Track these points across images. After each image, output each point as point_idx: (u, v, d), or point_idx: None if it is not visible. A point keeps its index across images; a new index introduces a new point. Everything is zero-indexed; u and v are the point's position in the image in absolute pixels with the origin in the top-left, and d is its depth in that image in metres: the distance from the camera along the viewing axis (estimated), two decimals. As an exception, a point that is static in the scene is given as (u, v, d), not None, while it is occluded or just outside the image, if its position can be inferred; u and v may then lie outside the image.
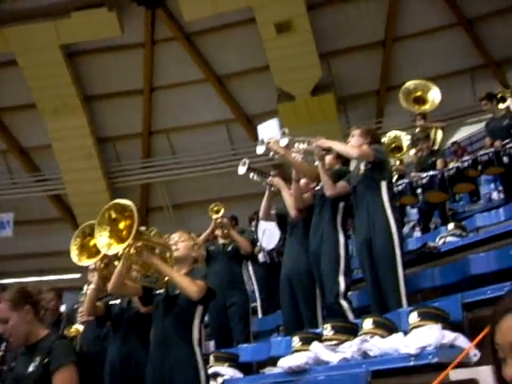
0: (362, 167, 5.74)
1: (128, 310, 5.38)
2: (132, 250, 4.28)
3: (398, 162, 10.78)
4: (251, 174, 6.67)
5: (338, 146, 5.78)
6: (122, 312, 5.42)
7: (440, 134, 10.22)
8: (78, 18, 16.77)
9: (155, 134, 19.24)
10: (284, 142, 5.96)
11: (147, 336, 4.63)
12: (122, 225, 4.20)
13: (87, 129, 18.45)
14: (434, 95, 10.52)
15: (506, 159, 8.00)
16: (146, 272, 4.47)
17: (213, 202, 8.05)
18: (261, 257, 8.66)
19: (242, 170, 6.63)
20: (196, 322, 4.43)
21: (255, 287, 8.83)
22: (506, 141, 8.19)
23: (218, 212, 7.95)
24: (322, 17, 17.21)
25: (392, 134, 10.68)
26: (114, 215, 4.21)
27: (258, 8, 16.56)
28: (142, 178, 19.24)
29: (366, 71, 17.79)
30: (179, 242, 4.63)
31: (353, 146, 5.79)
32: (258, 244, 8.57)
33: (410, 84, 10.83)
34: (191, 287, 4.27)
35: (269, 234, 8.04)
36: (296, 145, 5.98)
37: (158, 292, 4.61)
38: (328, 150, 5.81)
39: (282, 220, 6.70)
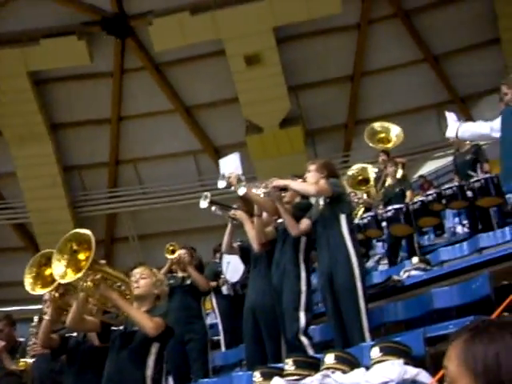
0: (321, 202, 5.71)
1: (84, 343, 5.22)
2: (89, 283, 4.17)
3: (365, 195, 10.81)
4: (213, 208, 6.59)
5: (294, 184, 5.74)
6: (77, 345, 5.26)
7: (400, 170, 10.28)
8: (47, 46, 16.70)
9: (122, 164, 19.10)
10: (242, 191, 5.87)
11: (102, 371, 4.48)
12: (81, 255, 4.12)
13: (53, 157, 18.23)
14: (397, 133, 10.67)
15: (469, 193, 8.04)
16: (103, 306, 4.36)
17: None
18: (224, 289, 8.55)
19: (203, 204, 6.54)
20: (151, 359, 4.31)
21: (218, 320, 8.69)
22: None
23: (173, 252, 7.80)
24: (291, 50, 17.39)
25: (359, 166, 10.73)
26: (74, 246, 4.11)
27: (227, 40, 16.67)
28: (107, 208, 19.01)
29: (334, 105, 17.96)
30: (140, 279, 4.52)
31: (310, 182, 5.76)
32: (222, 276, 8.46)
33: (375, 125, 11.04)
34: (148, 324, 4.17)
35: (233, 267, 7.95)
36: (254, 190, 5.91)
37: (116, 328, 4.49)
38: (285, 189, 5.75)
39: (245, 253, 6.62)
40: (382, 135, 10.82)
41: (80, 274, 4.04)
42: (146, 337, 4.24)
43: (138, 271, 4.59)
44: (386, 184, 9.70)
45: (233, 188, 6.09)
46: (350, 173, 10.76)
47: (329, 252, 5.50)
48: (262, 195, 5.87)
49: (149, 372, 4.27)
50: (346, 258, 5.40)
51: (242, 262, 6.97)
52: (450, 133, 5.61)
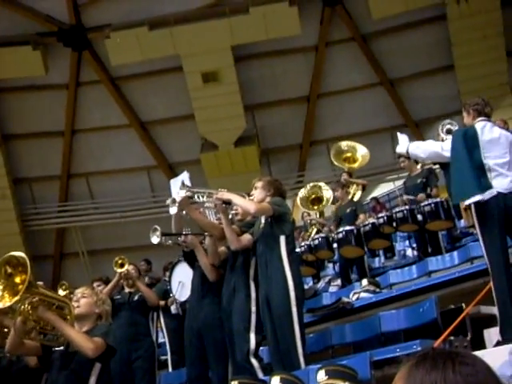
0: (262, 221, 5.67)
1: (17, 363, 5.05)
2: (27, 305, 4.08)
3: (317, 215, 10.83)
4: (163, 239, 6.35)
5: (237, 199, 5.66)
6: (10, 365, 5.08)
7: (359, 192, 10.37)
8: (1, 55, 16.37)
9: (74, 178, 18.76)
10: (182, 193, 5.80)
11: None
12: (17, 279, 4.03)
13: (3, 169, 17.79)
14: (363, 153, 10.78)
15: (419, 217, 8.13)
16: (43, 328, 4.26)
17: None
18: (173, 308, 8.38)
19: (155, 239, 6.30)
20: (92, 379, 4.21)
21: (166, 340, 8.53)
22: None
23: (122, 266, 7.71)
24: (249, 69, 17.45)
25: (312, 184, 10.76)
26: (9, 269, 4.01)
27: (185, 57, 16.63)
28: (57, 222, 18.63)
29: (289, 125, 18.05)
30: (81, 298, 4.45)
31: (251, 201, 5.71)
32: (171, 295, 8.33)
33: (341, 144, 11.13)
34: (87, 344, 4.08)
35: (182, 286, 7.81)
36: (196, 197, 5.84)
37: (56, 349, 4.39)
38: (228, 203, 5.69)
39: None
40: (348, 154, 10.90)
41: (17, 298, 3.96)
42: (86, 358, 4.15)
43: (80, 291, 4.55)
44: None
45: (183, 213, 5.97)
46: (302, 192, 10.78)
47: (267, 273, 5.44)
48: (207, 204, 5.81)
49: None
50: (282, 282, 5.32)
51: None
52: (401, 148, 5.67)
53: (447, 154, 5.15)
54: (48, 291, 4.34)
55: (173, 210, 5.95)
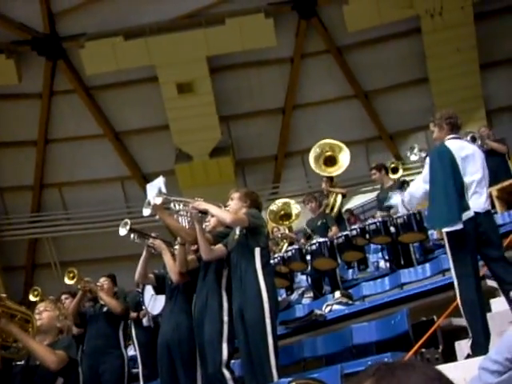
0: (238, 232, 5.65)
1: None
2: None
3: (286, 230, 10.84)
4: (132, 236, 6.47)
5: (213, 209, 5.66)
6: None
7: (339, 199, 10.34)
8: (-27, 63, 16.21)
9: (47, 188, 18.55)
10: (158, 200, 5.81)
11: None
12: None
13: (-26, 178, 17.64)
14: (344, 158, 10.66)
15: (392, 229, 8.14)
16: (4, 341, 4.20)
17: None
18: (145, 321, 8.33)
19: (122, 231, 6.43)
20: None
21: (137, 352, 8.42)
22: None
23: (73, 278, 7.74)
24: (224, 80, 17.44)
25: (281, 201, 10.79)
26: None
27: (160, 67, 16.61)
28: (29, 233, 18.40)
29: (265, 136, 18.06)
30: (43, 312, 4.44)
31: (228, 211, 5.72)
32: (144, 308, 8.25)
33: (323, 143, 10.92)
34: (49, 357, 4.06)
35: (155, 299, 7.74)
36: (172, 205, 5.84)
37: (17, 363, 4.34)
38: (204, 213, 5.68)
39: (160, 283, 6.48)
40: (328, 153, 10.70)
41: None
42: (48, 371, 4.12)
43: (43, 304, 4.56)
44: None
45: (157, 217, 6.00)
46: (272, 207, 10.78)
47: (241, 285, 5.43)
48: (181, 212, 5.80)
49: None
50: (256, 293, 5.32)
51: (155, 292, 6.79)
52: (401, 211, 5.62)
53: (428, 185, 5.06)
54: (11, 303, 4.29)
55: (146, 212, 6.00)
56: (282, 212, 10.51)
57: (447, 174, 4.88)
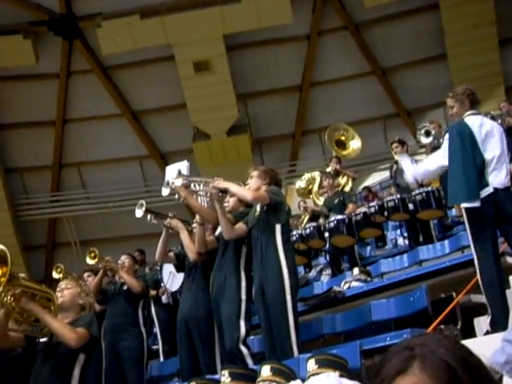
0: (258, 209, 5.66)
1: (8, 352, 5.04)
2: (9, 297, 4.11)
3: (313, 203, 10.84)
4: (148, 217, 6.51)
5: (234, 187, 5.67)
6: (1, 354, 5.07)
7: (350, 183, 10.34)
8: (-9, 44, 16.27)
9: (66, 168, 18.72)
10: (179, 182, 5.83)
11: (28, 380, 4.34)
12: None
13: (-6, 159, 17.80)
14: (355, 145, 10.69)
15: (411, 206, 8.12)
16: (27, 320, 4.27)
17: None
18: (164, 298, 8.42)
19: (139, 213, 6.49)
20: (76, 370, 4.24)
21: (157, 329, 8.55)
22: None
23: (94, 258, 7.77)
24: (241, 58, 17.38)
25: (309, 175, 10.75)
26: None
27: (177, 46, 16.56)
28: (49, 212, 18.58)
29: (282, 114, 18.02)
30: (65, 289, 4.49)
31: (249, 188, 5.72)
32: (162, 285, 8.34)
33: (339, 125, 10.98)
34: (70, 335, 4.12)
35: (173, 276, 7.82)
36: (192, 185, 5.86)
37: (41, 340, 4.42)
38: (225, 192, 5.70)
39: (181, 261, 6.53)
40: (342, 138, 10.78)
41: None
42: (70, 348, 4.17)
43: (64, 282, 4.60)
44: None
45: (176, 196, 6.02)
46: (299, 183, 10.80)
47: (262, 262, 5.45)
48: (201, 192, 5.83)
49: (74, 383, 4.17)
50: (277, 270, 5.33)
51: (176, 270, 6.85)
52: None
53: (447, 161, 5.01)
54: (30, 283, 4.36)
55: (165, 192, 6.01)
56: (311, 186, 10.52)
57: (467, 150, 4.84)
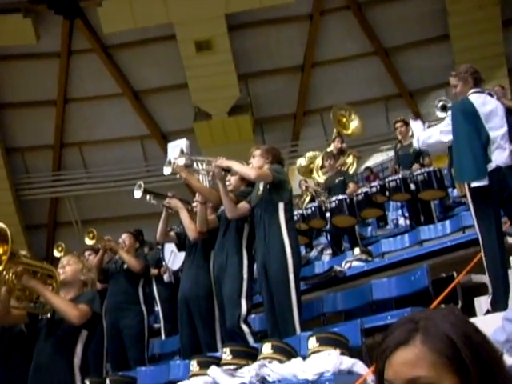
0: (261, 188, 5.67)
1: (10, 329, 5.07)
2: (11, 275, 4.12)
3: (314, 182, 10.83)
4: (148, 197, 6.54)
5: (237, 166, 5.68)
6: (3, 331, 5.11)
7: (355, 164, 10.32)
8: (-9, 23, 16.17)
9: (67, 147, 18.69)
10: (181, 161, 5.83)
11: (31, 357, 4.37)
12: (0, 249, 4.03)
13: (-5, 137, 17.77)
14: (356, 125, 10.66)
15: (412, 186, 8.12)
16: (29, 297, 4.31)
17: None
18: (166, 277, 8.46)
19: (137, 193, 6.53)
20: (79, 346, 4.26)
21: (159, 308, 8.60)
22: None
23: (93, 238, 7.88)
24: (242, 38, 17.29)
25: (310, 154, 10.73)
26: None
27: (178, 25, 16.46)
28: (51, 192, 18.60)
29: (283, 94, 17.94)
30: (67, 266, 4.49)
31: (252, 167, 5.72)
32: (164, 264, 8.38)
33: (343, 105, 10.96)
34: (72, 312, 4.13)
35: (175, 255, 7.85)
36: (195, 165, 5.86)
37: (43, 317, 4.43)
38: (228, 171, 5.70)
39: (181, 241, 6.56)
40: (343, 119, 10.78)
41: (0, 268, 4.01)
42: (72, 325, 4.19)
43: (66, 258, 4.59)
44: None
45: (178, 176, 6.03)
46: (299, 161, 10.78)
47: (265, 240, 5.46)
48: (203, 171, 5.83)
49: (76, 360, 4.23)
50: (280, 248, 5.35)
51: (178, 249, 6.87)
52: (418, 144, 5.53)
53: (445, 138, 5.00)
54: (32, 260, 4.37)
55: (167, 171, 6.02)
56: (312, 165, 10.50)
57: (471, 128, 4.83)
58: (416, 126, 5.64)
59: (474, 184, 4.82)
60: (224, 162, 5.66)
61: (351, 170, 10.18)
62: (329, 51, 17.57)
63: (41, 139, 18.43)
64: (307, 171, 10.83)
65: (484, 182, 4.74)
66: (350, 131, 10.80)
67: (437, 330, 1.27)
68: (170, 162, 6.06)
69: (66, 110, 18.20)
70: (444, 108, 7.86)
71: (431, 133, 5.28)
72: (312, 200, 10.30)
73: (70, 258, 4.59)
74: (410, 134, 8.66)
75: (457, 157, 4.98)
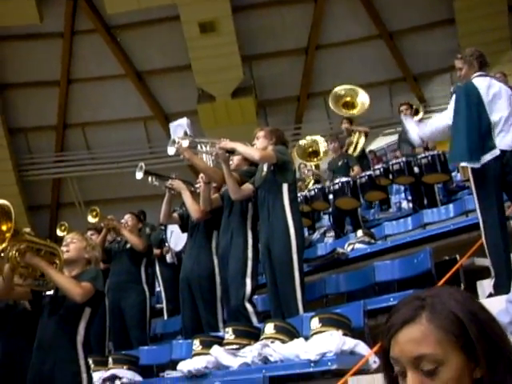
0: (265, 169, 5.67)
1: (15, 307, 5.11)
2: (14, 252, 4.13)
3: (313, 167, 10.79)
4: (149, 178, 6.54)
5: (241, 147, 5.68)
6: (8, 309, 5.14)
7: (363, 139, 10.24)
8: (-6, 3, 16.10)
9: (70, 128, 18.67)
10: (185, 143, 5.83)
11: (34, 335, 4.39)
12: (3, 227, 4.06)
13: (-2, 118, 17.74)
14: (363, 99, 10.53)
15: (416, 169, 8.10)
16: (32, 274, 4.31)
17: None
18: (168, 257, 8.48)
19: (139, 175, 6.54)
20: (82, 324, 4.26)
21: (161, 288, 8.63)
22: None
23: (96, 216, 7.89)
24: (246, 20, 17.19)
25: (310, 137, 10.68)
26: None
27: (182, 6, 16.35)
28: (53, 173, 18.62)
29: (287, 77, 17.87)
30: (71, 243, 4.48)
31: (256, 148, 5.72)
32: (167, 244, 8.40)
33: (339, 89, 10.82)
34: (75, 289, 4.12)
35: (177, 235, 7.86)
36: (199, 147, 5.87)
37: (47, 294, 4.45)
38: (232, 152, 5.70)
39: (185, 222, 6.57)
40: (347, 99, 10.65)
41: (4, 245, 4.00)
42: (75, 302, 4.19)
43: (70, 236, 4.58)
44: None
45: (181, 156, 6.03)
46: (300, 143, 10.71)
47: (268, 221, 5.47)
48: (207, 155, 5.84)
49: (79, 337, 4.23)
50: (284, 229, 5.36)
51: (181, 230, 6.87)
52: (415, 139, 5.50)
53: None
54: (35, 238, 4.36)
55: (171, 151, 6.01)
56: (311, 149, 10.44)
57: (472, 111, 4.80)
58: (408, 122, 5.62)
59: (466, 164, 4.82)
60: (228, 144, 5.65)
61: (359, 147, 10.08)
62: (333, 34, 17.47)
63: (44, 120, 18.40)
64: (305, 155, 10.76)
65: (474, 165, 4.73)
66: (357, 108, 10.59)
67: (443, 308, 1.27)
68: (174, 142, 6.05)
69: (69, 90, 18.16)
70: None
71: (439, 119, 5.24)
72: (316, 182, 10.29)
73: (74, 235, 4.58)
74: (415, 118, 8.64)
75: (453, 137, 4.97)
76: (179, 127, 6.37)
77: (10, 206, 4.03)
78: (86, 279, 4.24)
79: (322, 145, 10.50)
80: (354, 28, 17.42)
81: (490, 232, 4.81)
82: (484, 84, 4.94)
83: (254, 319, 5.54)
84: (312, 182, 10.55)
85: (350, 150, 9.91)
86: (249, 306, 5.60)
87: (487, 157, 4.75)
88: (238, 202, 5.84)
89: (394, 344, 1.29)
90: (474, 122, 4.79)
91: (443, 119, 5.10)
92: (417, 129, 5.41)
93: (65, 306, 4.25)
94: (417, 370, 1.25)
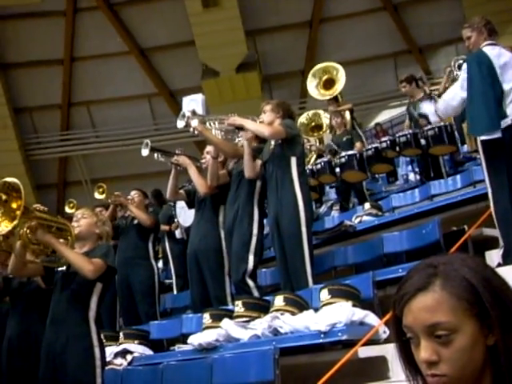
0: (273, 142, 5.64)
1: (28, 284, 5.15)
2: (25, 229, 4.17)
3: (317, 141, 10.73)
4: (155, 155, 6.54)
5: (249, 124, 5.63)
6: (21, 286, 5.19)
7: (348, 115, 10.05)
8: (-4, -19, 16.02)
9: (75, 106, 18.69)
10: (195, 122, 5.79)
11: (47, 312, 4.43)
12: (13, 204, 4.08)
13: (3, 98, 17.73)
14: (341, 77, 10.34)
15: (423, 141, 8.05)
16: (44, 251, 4.34)
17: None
18: (177, 233, 8.51)
19: (144, 152, 6.53)
20: (94, 299, 4.29)
21: (171, 264, 8.68)
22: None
23: (102, 193, 8.02)
24: (249, -6, 17.06)
25: (312, 112, 10.60)
26: (3, 196, 4.06)
27: (184, -19, 16.25)
28: (59, 151, 18.67)
29: (291, 51, 17.78)
30: (81, 219, 4.50)
31: (265, 124, 5.68)
32: (176, 220, 8.42)
33: (314, 71, 10.60)
34: (86, 266, 4.14)
35: (186, 211, 7.87)
36: (207, 124, 5.83)
37: (59, 269, 4.47)
38: (241, 128, 5.67)
39: (191, 198, 6.57)
40: (326, 77, 10.46)
41: (15, 222, 4.02)
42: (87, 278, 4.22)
43: (80, 211, 4.60)
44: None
45: (191, 130, 6.00)
46: (302, 119, 10.62)
47: (277, 195, 5.45)
48: (216, 130, 5.82)
49: (91, 313, 4.26)
50: (292, 202, 5.34)
51: (188, 206, 6.88)
52: (435, 121, 5.42)
53: (465, 93, 4.90)
54: (46, 214, 4.37)
55: (180, 124, 5.99)
56: (313, 123, 10.37)
57: (486, 80, 4.73)
58: (426, 105, 5.57)
59: (484, 137, 4.76)
60: (237, 121, 5.62)
61: (348, 125, 9.92)
62: (337, 7, 17.35)
63: (48, 99, 18.41)
64: (307, 130, 10.68)
65: (496, 135, 4.69)
66: (339, 82, 10.35)
67: (456, 275, 1.27)
68: (183, 115, 6.01)
69: (72, 68, 18.17)
70: (461, 67, 7.75)
71: (452, 93, 5.17)
72: (319, 157, 10.22)
73: (85, 211, 4.59)
74: (422, 95, 8.57)
75: (470, 109, 4.89)
76: (193, 102, 6.32)
77: (20, 184, 4.05)
78: (97, 255, 4.26)
79: (324, 118, 10.39)
80: (358, 0, 17.27)
81: (499, 202, 4.79)
82: (494, 52, 4.87)
83: (256, 294, 5.56)
84: (314, 157, 10.47)
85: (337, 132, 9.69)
86: (250, 281, 5.62)
87: (499, 132, 4.70)
88: (245, 178, 5.83)
89: (408, 312, 1.29)
90: (489, 90, 4.71)
91: (456, 91, 5.04)
92: (433, 108, 5.36)
93: (76, 282, 4.27)
94: (430, 338, 1.25)
